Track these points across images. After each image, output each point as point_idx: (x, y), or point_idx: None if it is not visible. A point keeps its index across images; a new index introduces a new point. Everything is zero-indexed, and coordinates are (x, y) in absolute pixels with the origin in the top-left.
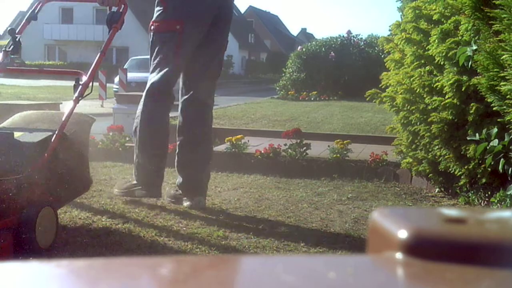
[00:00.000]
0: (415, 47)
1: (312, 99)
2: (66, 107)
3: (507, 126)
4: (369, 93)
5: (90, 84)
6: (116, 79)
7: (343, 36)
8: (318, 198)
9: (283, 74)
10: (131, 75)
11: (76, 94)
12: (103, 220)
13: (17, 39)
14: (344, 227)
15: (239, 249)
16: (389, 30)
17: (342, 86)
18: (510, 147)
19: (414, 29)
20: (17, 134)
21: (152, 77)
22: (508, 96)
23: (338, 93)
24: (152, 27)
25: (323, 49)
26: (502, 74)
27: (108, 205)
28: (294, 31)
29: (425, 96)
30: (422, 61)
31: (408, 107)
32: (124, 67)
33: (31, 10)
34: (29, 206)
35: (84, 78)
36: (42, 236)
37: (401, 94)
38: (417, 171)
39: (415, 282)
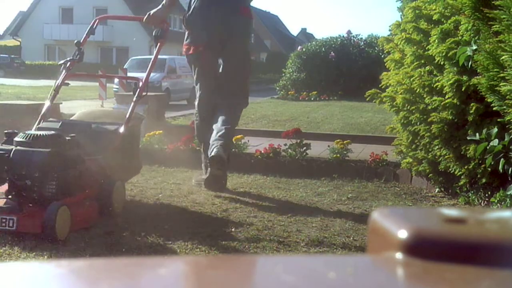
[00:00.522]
0: (415, 47)
1: (312, 99)
2: (129, 106)
3: (507, 126)
4: (369, 93)
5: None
6: (116, 79)
7: (343, 36)
8: (318, 198)
9: (283, 74)
10: (131, 75)
11: (135, 97)
12: (103, 220)
13: (81, 50)
14: (344, 227)
15: (239, 249)
16: (389, 30)
17: (342, 86)
18: (510, 147)
19: (414, 29)
20: (94, 125)
21: (196, 96)
22: (508, 96)
23: (338, 93)
24: (183, 49)
25: (323, 49)
26: (502, 75)
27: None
28: (294, 31)
29: (425, 96)
30: (422, 61)
31: (408, 107)
32: (124, 67)
33: (89, 26)
34: (106, 181)
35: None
36: (116, 204)
37: (401, 94)
38: (417, 171)
39: (415, 282)
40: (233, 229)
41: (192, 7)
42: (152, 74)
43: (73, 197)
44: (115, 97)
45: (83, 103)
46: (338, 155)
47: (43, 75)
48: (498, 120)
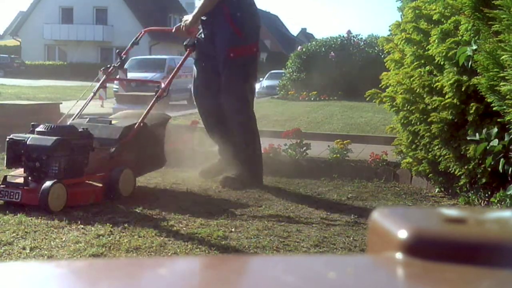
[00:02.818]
0: (415, 47)
1: (312, 99)
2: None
3: (507, 126)
4: (369, 93)
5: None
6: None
7: (343, 36)
8: (318, 198)
9: (283, 74)
10: (131, 75)
11: (154, 98)
12: (103, 220)
13: (123, 58)
14: (344, 227)
15: (239, 249)
16: (389, 30)
17: (342, 86)
18: (510, 147)
19: (414, 29)
20: (114, 121)
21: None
22: (508, 96)
23: (338, 93)
24: (232, 54)
25: (323, 49)
26: (502, 74)
27: (108, 205)
28: (294, 31)
29: (425, 96)
30: (422, 61)
31: (408, 107)
32: (124, 67)
33: (135, 38)
34: (116, 168)
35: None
36: (123, 187)
37: (401, 94)
38: (417, 171)
39: (415, 282)
40: (233, 229)
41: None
42: (152, 74)
43: (75, 178)
44: (115, 97)
45: (83, 103)
46: (338, 155)
47: (43, 75)
48: (498, 120)
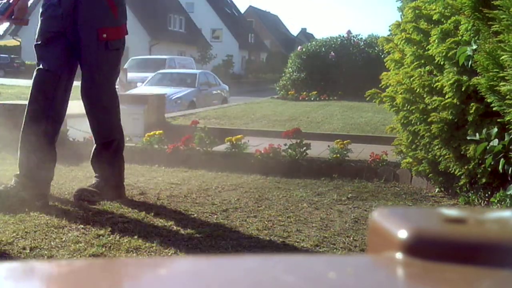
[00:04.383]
0: (415, 47)
1: (312, 99)
2: None
3: (507, 126)
4: (369, 93)
5: None
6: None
7: (343, 36)
8: (318, 198)
9: (283, 74)
10: (131, 75)
11: None
12: (103, 220)
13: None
14: (344, 227)
15: (239, 249)
16: (389, 30)
17: (342, 86)
18: (510, 147)
19: (414, 29)
20: None
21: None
22: (508, 96)
23: (338, 93)
24: (105, 34)
25: (323, 49)
26: (501, 74)
27: (108, 205)
28: (294, 31)
29: (425, 96)
30: (422, 61)
31: (408, 107)
32: (124, 67)
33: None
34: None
35: None
36: None
37: (401, 94)
38: (417, 171)
39: (415, 282)
40: (233, 229)
41: None
42: (152, 74)
43: None
44: None
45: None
46: (338, 155)
47: None
48: (498, 120)
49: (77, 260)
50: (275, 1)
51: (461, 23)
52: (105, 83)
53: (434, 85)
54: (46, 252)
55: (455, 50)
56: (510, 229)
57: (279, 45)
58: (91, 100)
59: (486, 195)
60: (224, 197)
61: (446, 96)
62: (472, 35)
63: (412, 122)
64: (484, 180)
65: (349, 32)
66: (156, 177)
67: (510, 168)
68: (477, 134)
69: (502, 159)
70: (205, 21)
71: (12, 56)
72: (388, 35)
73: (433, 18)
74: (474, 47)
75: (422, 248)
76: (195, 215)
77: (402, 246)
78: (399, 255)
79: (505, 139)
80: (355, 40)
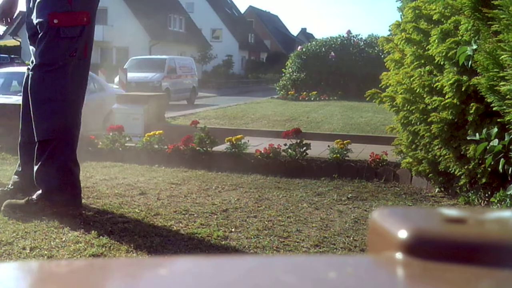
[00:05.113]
0: (415, 47)
1: (312, 99)
2: None
3: (507, 126)
4: (369, 93)
5: None
6: (116, 79)
7: (343, 36)
8: (318, 198)
9: (283, 74)
10: (131, 75)
11: None
12: (103, 220)
13: None
14: (344, 227)
15: (239, 249)
16: (389, 30)
17: (342, 86)
18: (510, 147)
19: (414, 29)
20: None
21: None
22: (508, 96)
23: (338, 93)
24: (55, 20)
25: (323, 49)
26: (501, 74)
27: (108, 205)
28: (294, 31)
29: (425, 96)
30: (422, 61)
31: (408, 107)
32: (124, 67)
33: None
34: None
35: None
36: None
37: (401, 94)
38: (417, 171)
39: (415, 282)
40: (233, 229)
41: None
42: (152, 74)
43: None
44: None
45: None
46: (338, 155)
47: None
48: (498, 120)
49: (77, 260)
50: (275, 1)
51: (461, 23)
52: (50, 72)
53: (434, 85)
54: (46, 252)
55: (455, 50)
56: (510, 229)
57: (279, 45)
58: (31, 89)
59: (486, 195)
60: (224, 197)
61: (446, 96)
62: (472, 35)
63: (412, 122)
64: (484, 180)
65: (349, 32)
66: (156, 177)
67: (510, 168)
68: (477, 134)
69: (502, 159)
70: (205, 21)
71: (12, 56)
72: (388, 35)
73: (433, 18)
74: (474, 47)
75: (422, 248)
76: (195, 215)
77: (402, 246)
78: (399, 255)
79: (505, 139)
80: (355, 40)
